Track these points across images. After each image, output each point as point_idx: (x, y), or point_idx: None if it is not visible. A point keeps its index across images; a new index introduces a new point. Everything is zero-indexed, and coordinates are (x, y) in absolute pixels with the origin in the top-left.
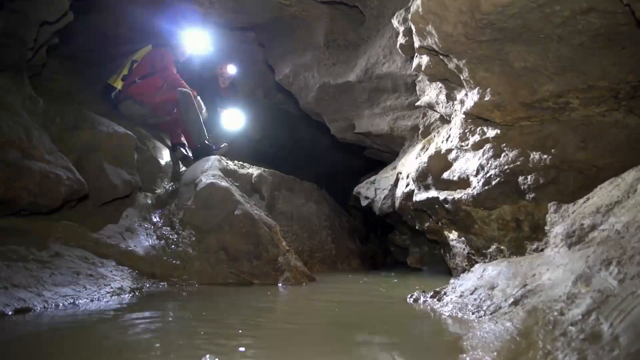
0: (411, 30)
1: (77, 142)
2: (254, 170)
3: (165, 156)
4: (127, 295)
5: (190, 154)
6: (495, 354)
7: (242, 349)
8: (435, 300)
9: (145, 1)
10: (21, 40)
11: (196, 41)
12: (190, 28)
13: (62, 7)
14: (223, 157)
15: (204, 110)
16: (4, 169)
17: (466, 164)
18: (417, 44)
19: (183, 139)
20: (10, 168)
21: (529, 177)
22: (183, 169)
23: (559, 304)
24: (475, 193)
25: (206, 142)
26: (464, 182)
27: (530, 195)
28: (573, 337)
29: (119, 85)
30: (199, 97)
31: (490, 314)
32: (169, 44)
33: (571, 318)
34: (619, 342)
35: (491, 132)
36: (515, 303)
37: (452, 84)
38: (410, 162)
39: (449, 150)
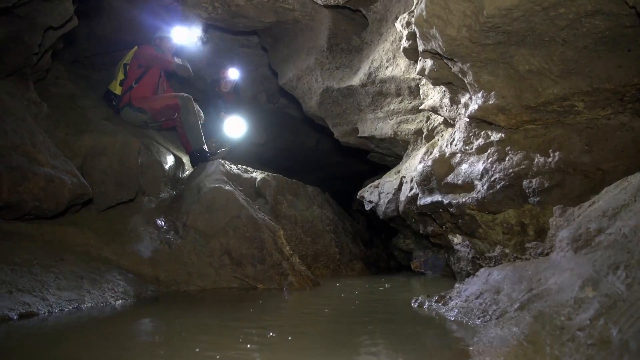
0: (415, 34)
1: (82, 147)
2: (258, 175)
3: (169, 160)
4: (130, 299)
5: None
6: (502, 359)
7: (245, 354)
8: (440, 304)
9: (146, 5)
10: (26, 45)
11: (182, 35)
12: (175, 23)
13: (66, 12)
14: (226, 162)
15: (202, 115)
16: (8, 173)
17: (470, 167)
18: (420, 47)
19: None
20: (15, 173)
21: (533, 180)
22: (187, 173)
23: (566, 308)
24: (479, 197)
25: (203, 148)
26: (468, 186)
27: (535, 199)
28: (581, 343)
29: (118, 90)
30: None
31: (496, 318)
32: (151, 40)
33: (579, 323)
34: (629, 347)
35: (495, 136)
36: (522, 308)
37: (456, 87)
38: (414, 166)
39: (453, 154)
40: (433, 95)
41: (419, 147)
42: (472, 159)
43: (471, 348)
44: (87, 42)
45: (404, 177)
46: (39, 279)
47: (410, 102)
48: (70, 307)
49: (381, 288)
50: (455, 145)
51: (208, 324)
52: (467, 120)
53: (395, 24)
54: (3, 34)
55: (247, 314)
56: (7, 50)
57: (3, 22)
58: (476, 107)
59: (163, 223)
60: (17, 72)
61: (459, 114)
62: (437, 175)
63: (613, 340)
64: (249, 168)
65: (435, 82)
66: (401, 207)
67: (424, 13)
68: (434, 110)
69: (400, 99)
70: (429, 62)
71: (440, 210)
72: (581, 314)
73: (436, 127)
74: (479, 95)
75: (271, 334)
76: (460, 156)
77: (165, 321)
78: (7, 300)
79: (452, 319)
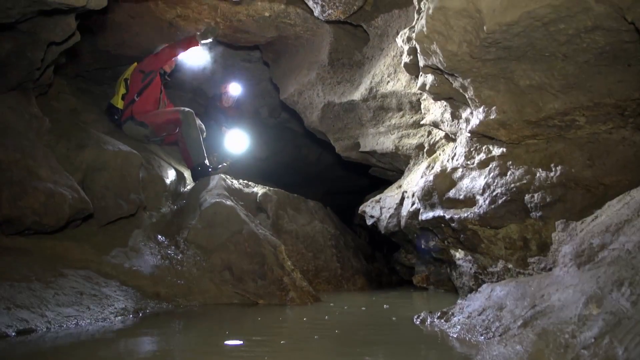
0: (416, 50)
1: (83, 161)
2: (259, 189)
3: (170, 175)
4: (130, 315)
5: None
6: None
7: None
8: (442, 321)
9: (149, 21)
10: (29, 60)
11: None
12: (176, 38)
13: (69, 27)
14: (228, 176)
15: (204, 129)
16: (9, 188)
17: (472, 182)
18: (421, 63)
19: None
20: (15, 187)
21: (535, 195)
22: (188, 187)
23: (570, 326)
24: (481, 212)
25: (205, 162)
26: (470, 201)
27: (537, 214)
28: None
29: (120, 104)
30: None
31: (499, 335)
32: (154, 57)
33: (583, 341)
34: None
35: (497, 151)
36: (525, 325)
37: (457, 102)
38: (416, 181)
39: (455, 169)
40: (434, 110)
41: (420, 161)
42: (473, 173)
43: None
44: (89, 57)
45: (406, 191)
46: (37, 294)
47: (412, 117)
48: (69, 324)
49: (383, 304)
50: (457, 160)
51: (208, 342)
52: (469, 135)
53: (396, 39)
54: (6, 49)
55: (248, 331)
56: (9, 65)
57: (6, 37)
58: (477, 122)
59: (164, 238)
60: (20, 87)
61: (460, 128)
62: (438, 190)
63: (619, 359)
64: (250, 183)
65: (436, 97)
66: (403, 222)
67: (425, 29)
68: (435, 125)
69: (401, 113)
70: (429, 77)
71: (442, 225)
72: (585, 331)
73: (437, 141)
74: (480, 110)
75: (271, 351)
76: (462, 171)
77: (164, 338)
78: (5, 317)
79: (455, 336)
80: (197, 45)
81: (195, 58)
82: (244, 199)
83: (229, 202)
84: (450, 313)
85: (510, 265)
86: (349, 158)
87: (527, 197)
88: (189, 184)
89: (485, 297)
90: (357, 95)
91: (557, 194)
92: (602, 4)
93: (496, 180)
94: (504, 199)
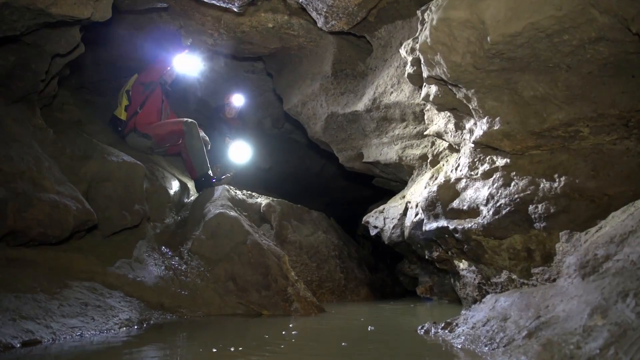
0: (419, 60)
1: (87, 172)
2: (263, 200)
3: (174, 186)
4: (135, 326)
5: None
6: None
7: None
8: (446, 331)
9: (152, 33)
10: (33, 72)
11: (184, 63)
12: (179, 50)
13: (73, 39)
14: (231, 187)
15: (208, 140)
16: (14, 199)
17: (476, 193)
18: (425, 73)
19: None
20: (20, 199)
21: (539, 206)
22: (192, 198)
23: (574, 337)
24: (485, 222)
25: (208, 173)
26: (473, 212)
27: (541, 225)
28: None
29: (123, 116)
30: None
31: (504, 346)
32: (151, 67)
33: (588, 352)
34: None
35: (501, 161)
36: (529, 335)
37: (460, 113)
38: (419, 192)
39: (458, 180)
40: (438, 120)
41: (424, 172)
42: (477, 184)
43: None
44: (93, 68)
45: (409, 202)
46: (42, 306)
47: (415, 128)
48: (74, 335)
49: (387, 314)
50: (461, 171)
51: (211, 353)
52: (472, 145)
53: (400, 50)
54: (11, 61)
55: (251, 343)
56: (14, 77)
57: (11, 50)
58: (481, 132)
59: (168, 249)
60: (24, 99)
61: (464, 139)
62: (442, 201)
63: None
64: (253, 193)
65: (440, 108)
66: (406, 233)
67: (429, 40)
68: (439, 135)
69: (404, 124)
70: (433, 88)
71: (446, 235)
72: (590, 342)
73: (441, 152)
74: (484, 121)
75: None
76: (466, 181)
77: (168, 349)
78: (11, 328)
79: (459, 347)
80: (184, 50)
81: (199, 69)
82: (248, 210)
83: (232, 213)
84: (454, 324)
85: (514, 276)
86: (352, 169)
87: (531, 207)
88: (193, 194)
89: (490, 307)
90: (360, 105)
91: (561, 204)
92: (606, 15)
93: (500, 191)
94: (507, 209)
